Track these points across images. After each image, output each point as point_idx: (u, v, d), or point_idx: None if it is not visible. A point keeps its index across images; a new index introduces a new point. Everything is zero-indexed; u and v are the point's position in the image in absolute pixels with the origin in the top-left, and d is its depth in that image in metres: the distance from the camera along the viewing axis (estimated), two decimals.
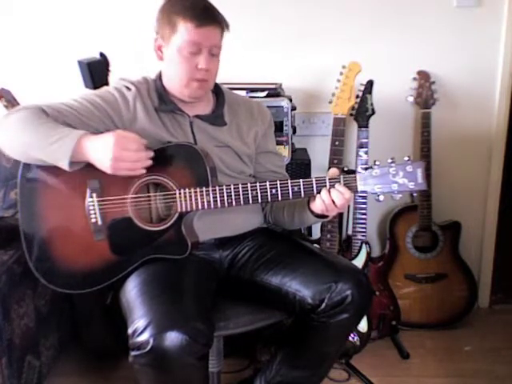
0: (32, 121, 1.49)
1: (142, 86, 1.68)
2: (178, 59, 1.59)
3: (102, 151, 1.46)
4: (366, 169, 1.49)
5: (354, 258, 2.28)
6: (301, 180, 1.52)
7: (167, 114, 1.67)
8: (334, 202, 1.50)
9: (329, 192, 1.50)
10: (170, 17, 1.58)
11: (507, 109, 2.45)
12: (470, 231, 2.54)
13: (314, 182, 1.51)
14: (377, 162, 1.49)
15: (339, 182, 1.50)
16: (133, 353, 1.38)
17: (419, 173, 1.46)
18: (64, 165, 1.47)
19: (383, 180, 1.47)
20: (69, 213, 1.60)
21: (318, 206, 1.54)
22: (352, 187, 1.50)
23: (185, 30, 1.56)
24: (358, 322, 1.67)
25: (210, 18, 1.58)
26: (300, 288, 1.55)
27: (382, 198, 1.49)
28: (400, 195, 1.49)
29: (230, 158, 1.71)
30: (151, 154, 1.52)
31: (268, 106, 1.88)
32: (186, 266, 1.61)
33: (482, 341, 2.40)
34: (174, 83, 1.64)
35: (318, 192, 1.51)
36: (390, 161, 1.48)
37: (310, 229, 2.42)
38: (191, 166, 1.56)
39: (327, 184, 1.50)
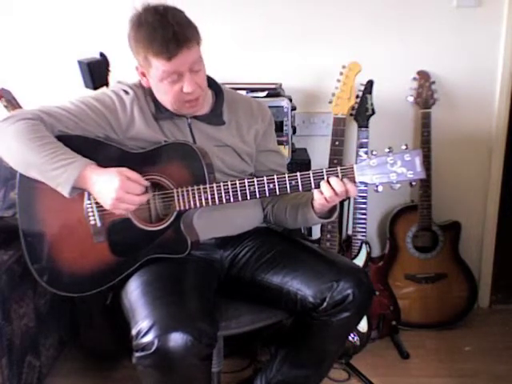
0: (32, 139, 1.48)
1: (139, 90, 1.67)
2: (162, 88, 1.58)
3: (106, 189, 1.47)
4: (363, 160, 1.48)
5: (354, 258, 2.28)
6: (298, 173, 1.51)
7: (165, 119, 1.66)
8: (334, 190, 1.48)
9: (328, 182, 1.49)
10: (140, 51, 1.54)
11: (507, 109, 2.45)
12: (470, 231, 2.54)
13: (311, 175, 1.51)
14: (374, 152, 1.47)
15: (337, 173, 1.49)
16: (137, 354, 1.38)
17: (417, 161, 1.44)
18: (64, 192, 1.48)
19: (381, 170, 1.45)
20: (68, 215, 1.60)
21: (316, 200, 1.53)
22: (350, 178, 1.49)
23: (159, 65, 1.52)
24: (359, 321, 1.67)
25: (180, 44, 1.48)
26: (301, 287, 1.55)
27: (380, 188, 1.47)
28: (399, 185, 1.47)
29: (231, 158, 1.71)
30: (150, 195, 1.55)
31: (268, 106, 1.88)
32: (188, 267, 1.62)
33: (481, 341, 2.39)
34: (167, 105, 1.62)
35: (316, 185, 1.50)
36: (387, 150, 1.46)
37: (310, 229, 2.42)
38: (188, 164, 1.56)
39: (325, 176, 1.49)
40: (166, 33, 1.47)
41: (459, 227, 2.47)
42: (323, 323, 1.55)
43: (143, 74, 1.61)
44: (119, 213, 1.53)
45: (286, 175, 1.52)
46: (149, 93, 1.66)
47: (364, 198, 2.26)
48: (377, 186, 1.48)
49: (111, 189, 1.46)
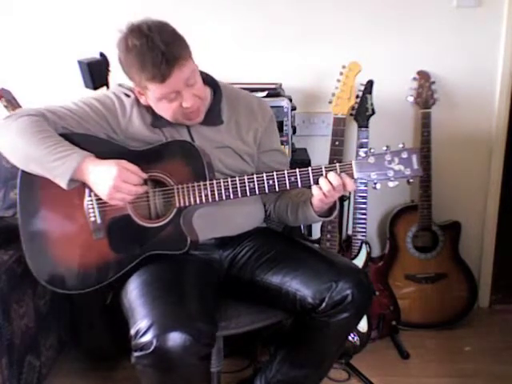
0: (34, 133, 1.50)
1: None
2: (161, 107, 1.58)
3: (103, 178, 1.48)
4: (361, 157, 1.50)
5: (354, 258, 2.28)
6: (297, 170, 1.53)
7: (164, 126, 1.66)
8: (332, 184, 1.49)
9: (326, 177, 1.49)
10: (133, 76, 1.54)
11: (507, 109, 2.45)
12: (470, 231, 2.54)
13: (310, 171, 1.52)
14: (372, 150, 1.49)
15: (335, 169, 1.50)
16: (136, 353, 1.38)
17: (414, 159, 1.47)
18: (63, 184, 1.50)
19: (379, 167, 1.48)
20: (68, 212, 1.61)
21: (315, 196, 1.53)
22: (348, 175, 1.50)
23: (154, 88, 1.52)
24: (358, 322, 1.67)
25: (171, 64, 1.47)
26: (300, 287, 1.55)
27: (378, 186, 1.50)
28: (397, 182, 1.49)
29: (230, 159, 1.71)
30: (147, 187, 1.56)
31: None
32: (187, 267, 1.62)
33: (481, 341, 2.39)
34: (168, 119, 1.62)
35: (315, 181, 1.51)
36: (385, 148, 1.48)
37: (310, 229, 2.42)
38: (188, 162, 1.57)
39: (323, 172, 1.50)
40: (155, 56, 1.46)
41: (459, 227, 2.47)
42: (323, 323, 1.55)
43: (140, 94, 1.61)
44: (115, 203, 1.53)
45: (286, 171, 1.53)
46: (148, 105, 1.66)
47: (364, 198, 2.27)
48: (375, 183, 1.50)
49: (109, 177, 1.47)
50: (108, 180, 1.47)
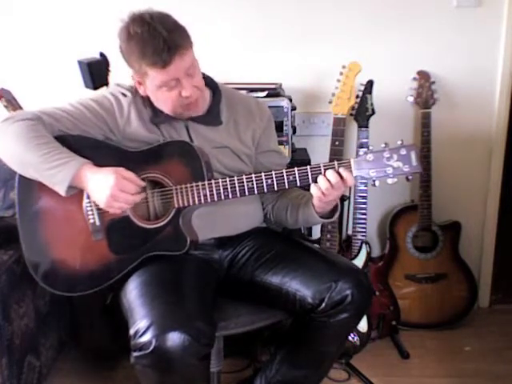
0: (31, 139, 1.50)
1: (137, 93, 1.67)
2: (160, 96, 1.58)
3: (101, 186, 1.48)
4: (360, 155, 1.49)
5: (354, 258, 2.28)
6: (295, 168, 1.52)
7: (162, 122, 1.66)
8: (330, 182, 1.48)
9: (324, 175, 1.49)
10: (133, 62, 1.54)
11: (507, 109, 2.45)
12: (470, 231, 2.54)
13: (308, 170, 1.51)
14: (370, 147, 1.49)
15: (334, 167, 1.50)
16: (135, 354, 1.38)
17: (413, 156, 1.46)
18: (61, 191, 1.50)
19: (377, 164, 1.47)
20: (67, 214, 1.61)
21: (314, 194, 1.52)
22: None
23: (155, 74, 1.52)
24: (358, 322, 1.67)
25: (172, 52, 1.48)
26: (300, 288, 1.55)
27: (377, 183, 1.49)
28: (395, 179, 1.48)
29: (228, 159, 1.71)
30: (145, 195, 1.56)
31: (268, 106, 1.87)
32: (186, 267, 1.62)
33: (481, 341, 2.39)
34: (167, 111, 1.62)
35: (314, 180, 1.51)
36: (383, 145, 1.48)
37: (310, 229, 2.42)
38: (186, 162, 1.57)
39: (322, 170, 1.50)
40: (157, 43, 1.47)
41: (459, 227, 2.47)
42: (322, 324, 1.55)
43: (139, 83, 1.61)
44: (113, 211, 1.53)
45: (284, 170, 1.53)
46: (146, 97, 1.66)
47: (364, 198, 2.26)
48: (374, 181, 1.49)
49: (106, 186, 1.47)
50: (105, 189, 1.47)
